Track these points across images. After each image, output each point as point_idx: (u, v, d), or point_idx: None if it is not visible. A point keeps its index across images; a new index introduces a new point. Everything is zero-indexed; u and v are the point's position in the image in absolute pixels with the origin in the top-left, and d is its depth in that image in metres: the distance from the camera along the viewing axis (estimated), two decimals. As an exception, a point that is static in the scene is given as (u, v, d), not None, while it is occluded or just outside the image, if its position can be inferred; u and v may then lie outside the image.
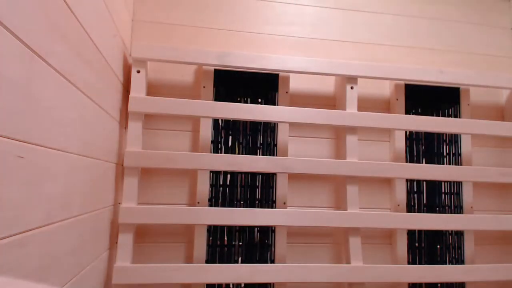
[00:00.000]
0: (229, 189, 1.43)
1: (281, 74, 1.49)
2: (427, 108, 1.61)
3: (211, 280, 1.23)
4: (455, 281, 1.38)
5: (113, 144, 1.22)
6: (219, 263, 1.39)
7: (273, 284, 1.40)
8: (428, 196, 1.56)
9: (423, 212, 1.54)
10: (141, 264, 1.21)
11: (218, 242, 1.41)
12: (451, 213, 1.56)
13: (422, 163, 1.57)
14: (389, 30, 1.64)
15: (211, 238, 1.40)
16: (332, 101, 1.56)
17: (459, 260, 1.54)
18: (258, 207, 1.44)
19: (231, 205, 1.42)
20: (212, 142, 1.43)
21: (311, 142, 1.53)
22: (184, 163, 1.27)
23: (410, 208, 1.54)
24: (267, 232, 1.44)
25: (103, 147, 1.09)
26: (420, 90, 1.59)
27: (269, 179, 1.46)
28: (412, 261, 1.52)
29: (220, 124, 1.46)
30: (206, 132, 1.40)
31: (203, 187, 1.38)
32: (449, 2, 1.71)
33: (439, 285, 1.53)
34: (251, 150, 1.46)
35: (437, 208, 1.56)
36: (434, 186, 1.57)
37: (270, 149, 1.47)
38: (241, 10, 1.53)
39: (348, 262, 1.35)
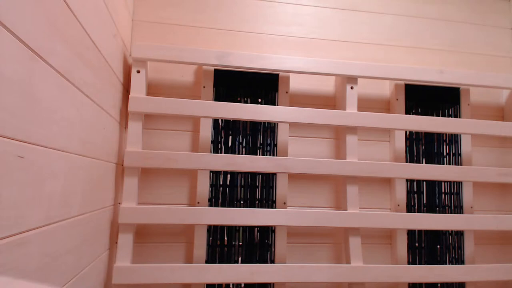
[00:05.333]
0: (229, 189, 1.43)
1: (281, 74, 1.49)
2: (427, 108, 1.61)
3: (211, 280, 1.23)
4: (455, 281, 1.38)
5: (113, 144, 1.22)
6: (219, 263, 1.39)
7: (273, 284, 1.40)
8: (428, 196, 1.56)
9: (423, 212, 1.54)
10: (141, 264, 1.21)
11: (218, 242, 1.41)
12: (451, 213, 1.56)
13: (422, 163, 1.57)
14: (389, 30, 1.64)
15: (211, 238, 1.40)
16: (332, 101, 1.56)
17: (459, 260, 1.54)
18: (258, 207, 1.44)
19: (231, 205, 1.42)
20: (212, 142, 1.43)
21: (311, 142, 1.53)
22: (184, 163, 1.27)
23: (410, 208, 1.54)
24: (267, 232, 1.44)
25: (103, 147, 1.09)
26: (420, 90, 1.59)
27: (269, 179, 1.46)
28: (412, 261, 1.52)
29: (220, 124, 1.46)
30: (206, 132, 1.40)
31: (203, 187, 1.38)
32: (449, 2, 1.71)
33: (439, 285, 1.53)
34: (251, 150, 1.46)
35: (437, 208, 1.56)
36: (434, 186, 1.57)
37: (270, 149, 1.47)
38: (241, 10, 1.53)
39: (348, 262, 1.35)
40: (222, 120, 1.46)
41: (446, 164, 1.58)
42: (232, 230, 1.42)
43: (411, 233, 1.54)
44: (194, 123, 1.45)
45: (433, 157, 1.58)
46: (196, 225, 1.36)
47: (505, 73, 1.70)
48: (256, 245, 1.43)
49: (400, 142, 1.53)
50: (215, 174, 1.43)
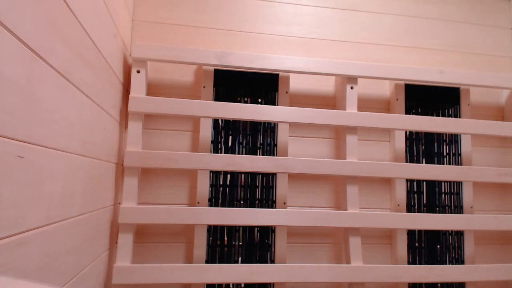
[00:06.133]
0: (229, 189, 1.43)
1: (281, 74, 1.49)
2: (427, 108, 1.61)
3: (211, 280, 1.23)
4: (455, 281, 1.38)
5: (113, 144, 1.22)
6: (219, 263, 1.39)
7: (273, 284, 1.40)
8: (428, 196, 1.56)
9: (423, 212, 1.54)
10: (141, 264, 1.21)
11: (218, 242, 1.41)
12: (451, 213, 1.56)
13: (422, 163, 1.57)
14: (389, 30, 1.64)
15: (211, 238, 1.40)
16: (332, 101, 1.56)
17: (459, 260, 1.54)
18: (258, 207, 1.44)
19: (231, 205, 1.42)
20: (212, 142, 1.43)
21: (311, 142, 1.53)
22: (184, 163, 1.27)
23: (410, 208, 1.54)
24: (267, 232, 1.44)
25: (103, 147, 1.09)
26: (420, 90, 1.59)
27: (269, 179, 1.46)
28: (412, 261, 1.52)
29: (220, 124, 1.46)
30: (206, 132, 1.40)
31: (203, 187, 1.38)
32: (449, 2, 1.71)
33: (439, 285, 1.53)
34: (251, 150, 1.46)
35: (437, 208, 1.56)
36: (434, 186, 1.57)
37: (270, 149, 1.47)
38: (241, 10, 1.53)
39: (348, 262, 1.35)
40: (222, 120, 1.46)
41: (446, 164, 1.58)
42: (232, 230, 1.42)
43: (411, 233, 1.54)
44: (194, 123, 1.45)
45: (433, 157, 1.58)
46: (196, 225, 1.36)
47: (505, 73, 1.70)
48: (256, 245, 1.43)
49: (400, 142, 1.53)
50: (215, 174, 1.43)
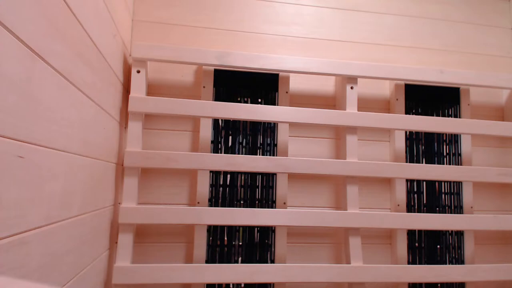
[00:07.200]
0: (229, 189, 1.43)
1: (281, 74, 1.49)
2: (427, 108, 1.61)
3: (211, 280, 1.23)
4: (455, 281, 1.38)
5: (113, 144, 1.22)
6: (219, 263, 1.39)
7: (273, 284, 1.40)
8: (428, 196, 1.56)
9: (423, 212, 1.54)
10: (141, 264, 1.21)
11: (218, 242, 1.41)
12: (451, 213, 1.56)
13: (422, 163, 1.57)
14: (390, 30, 1.64)
15: (211, 238, 1.40)
16: (332, 101, 1.56)
17: (459, 260, 1.54)
18: (258, 207, 1.44)
19: (231, 205, 1.42)
20: (212, 142, 1.43)
21: (311, 142, 1.53)
22: (184, 163, 1.27)
23: (410, 208, 1.54)
24: (267, 232, 1.44)
25: (103, 147, 1.09)
26: (420, 90, 1.59)
27: (269, 179, 1.46)
28: (412, 261, 1.52)
29: (220, 124, 1.46)
30: (206, 132, 1.40)
31: (203, 187, 1.38)
32: (449, 2, 1.71)
33: (439, 285, 1.53)
34: (251, 150, 1.46)
35: (437, 208, 1.56)
36: (434, 186, 1.57)
37: (270, 149, 1.47)
38: (241, 10, 1.53)
39: (348, 262, 1.35)
40: (222, 120, 1.46)
41: (446, 164, 1.58)
42: (232, 230, 1.42)
43: (411, 233, 1.54)
44: (194, 123, 1.45)
45: (433, 157, 1.58)
46: (196, 225, 1.36)
47: (505, 73, 1.70)
48: (256, 245, 1.43)
49: (400, 142, 1.53)
50: (215, 174, 1.43)
